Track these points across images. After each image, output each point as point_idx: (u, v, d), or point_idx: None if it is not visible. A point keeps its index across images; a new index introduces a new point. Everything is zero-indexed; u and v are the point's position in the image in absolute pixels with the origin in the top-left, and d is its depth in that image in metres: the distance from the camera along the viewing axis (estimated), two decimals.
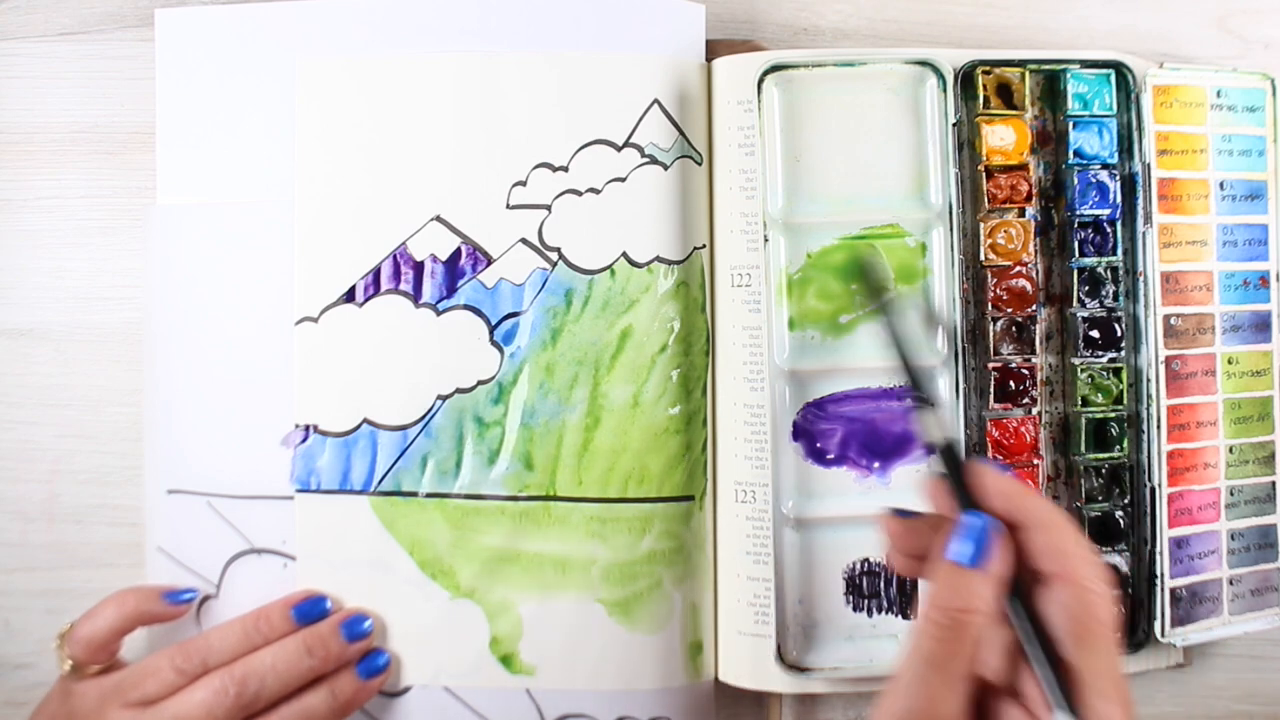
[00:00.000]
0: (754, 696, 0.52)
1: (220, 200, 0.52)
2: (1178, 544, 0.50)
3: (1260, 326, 0.52)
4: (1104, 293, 0.51)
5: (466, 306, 0.51)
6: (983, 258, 0.50)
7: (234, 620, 0.49)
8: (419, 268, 0.51)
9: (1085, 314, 0.50)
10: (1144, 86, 0.50)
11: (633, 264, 0.51)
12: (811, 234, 0.50)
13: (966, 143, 0.51)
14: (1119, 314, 0.51)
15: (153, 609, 0.49)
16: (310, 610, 0.49)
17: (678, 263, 0.51)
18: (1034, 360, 0.51)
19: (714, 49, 0.52)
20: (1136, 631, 0.50)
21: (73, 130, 0.54)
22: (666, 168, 0.51)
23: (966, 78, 0.50)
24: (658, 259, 0.51)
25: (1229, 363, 0.51)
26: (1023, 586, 0.36)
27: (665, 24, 0.52)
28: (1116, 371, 0.51)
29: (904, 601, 0.50)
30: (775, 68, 0.49)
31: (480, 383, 0.51)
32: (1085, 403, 0.50)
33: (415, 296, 0.51)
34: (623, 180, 0.51)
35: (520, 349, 0.51)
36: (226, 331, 0.52)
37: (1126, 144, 0.51)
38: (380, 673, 0.50)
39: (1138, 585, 0.50)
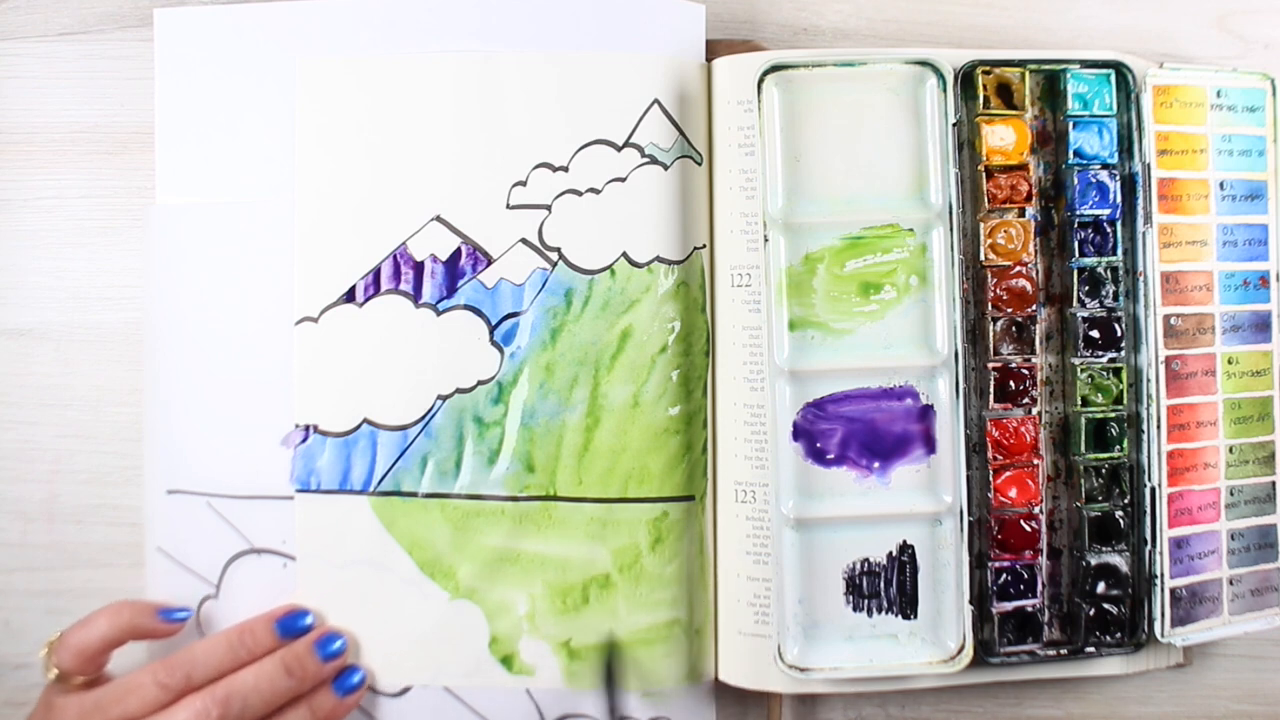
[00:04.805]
0: (754, 696, 0.52)
1: (220, 200, 0.52)
2: (1178, 544, 0.50)
3: (1260, 326, 0.52)
4: (1104, 293, 0.51)
5: (466, 306, 0.51)
6: (983, 258, 0.50)
7: (218, 635, 0.48)
8: (419, 268, 0.51)
9: (1085, 314, 0.50)
10: (1144, 86, 0.50)
11: (633, 264, 0.51)
12: (811, 234, 0.50)
13: (966, 143, 0.51)
14: (1119, 314, 0.51)
15: (146, 624, 0.49)
16: (291, 625, 0.49)
17: (678, 263, 0.51)
18: (1034, 360, 0.51)
19: (714, 49, 0.52)
20: (1136, 631, 0.50)
21: (73, 130, 0.54)
22: (666, 168, 0.51)
23: (966, 78, 0.50)
24: (658, 259, 0.51)
25: (1229, 363, 0.51)
26: None
27: (665, 24, 0.52)
28: (1116, 371, 0.51)
29: (904, 601, 0.50)
30: (775, 68, 0.49)
31: (480, 383, 0.51)
32: (1085, 403, 0.50)
33: (415, 296, 0.51)
34: (623, 180, 0.51)
35: (520, 349, 0.51)
36: (226, 331, 0.52)
37: (1126, 144, 0.51)
38: (355, 690, 0.50)
39: (1138, 585, 0.50)
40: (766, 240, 0.49)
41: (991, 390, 0.50)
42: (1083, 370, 0.50)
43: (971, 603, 0.49)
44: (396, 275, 0.51)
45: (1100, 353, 0.51)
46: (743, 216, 0.51)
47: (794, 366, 0.49)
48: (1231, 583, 0.51)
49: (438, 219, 0.51)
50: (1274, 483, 0.52)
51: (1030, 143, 0.51)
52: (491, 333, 0.51)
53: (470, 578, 0.51)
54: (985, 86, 0.50)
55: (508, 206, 0.51)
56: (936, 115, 0.50)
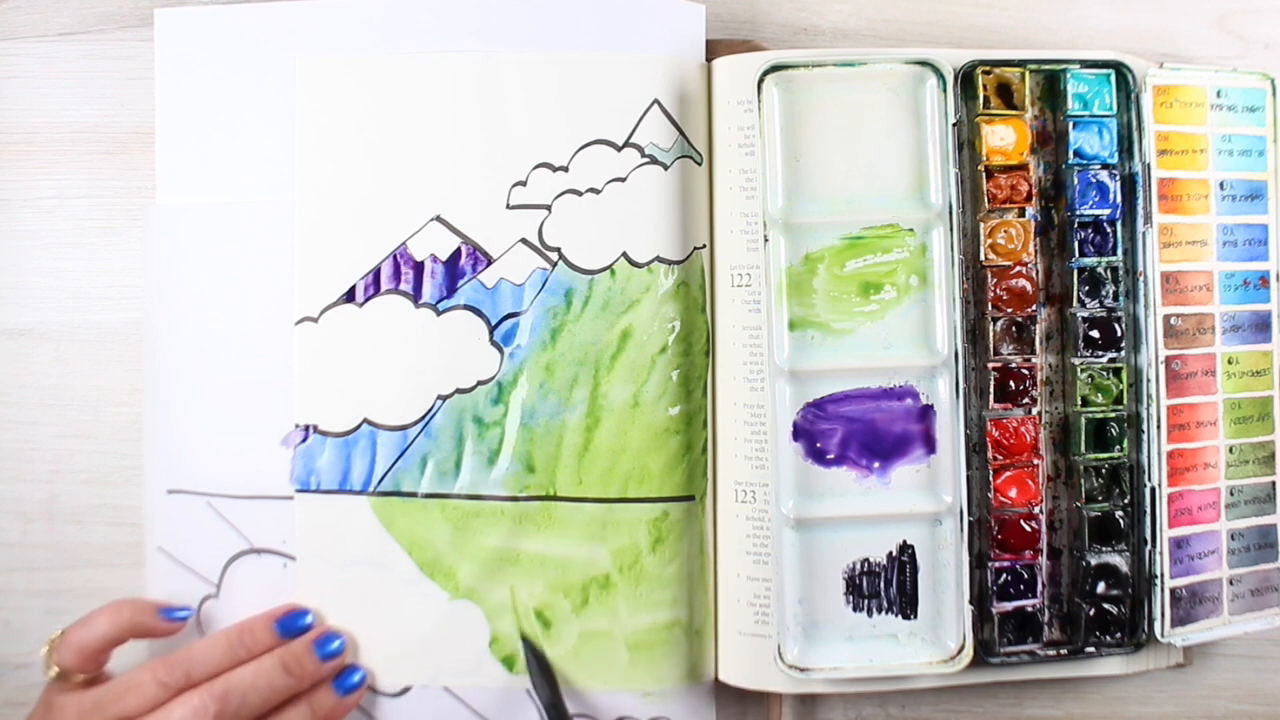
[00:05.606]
0: (754, 696, 0.52)
1: (220, 200, 0.52)
2: (1178, 544, 0.50)
3: (1260, 326, 0.52)
4: (1104, 293, 0.51)
5: (466, 306, 0.51)
6: (983, 258, 0.50)
7: (218, 633, 0.48)
8: (419, 268, 0.51)
9: (1085, 314, 0.50)
10: (1144, 86, 0.50)
11: (633, 264, 0.51)
12: (811, 234, 0.50)
13: (966, 143, 0.51)
14: (1119, 314, 0.51)
15: (147, 622, 0.49)
16: (291, 624, 0.50)
17: (678, 263, 0.51)
18: (1034, 360, 0.51)
19: (714, 49, 0.52)
20: (1136, 631, 0.50)
21: (73, 130, 0.54)
22: (666, 168, 0.51)
23: (966, 78, 0.50)
24: (658, 259, 0.51)
25: (1229, 363, 0.51)
26: None
27: (665, 24, 0.52)
28: (1116, 371, 0.51)
29: (904, 601, 0.50)
30: (775, 68, 0.49)
31: (480, 383, 0.51)
32: (1085, 403, 0.50)
33: (415, 296, 0.51)
34: (623, 180, 0.51)
35: (520, 349, 0.51)
36: (226, 331, 0.52)
37: (1126, 144, 0.51)
38: (355, 690, 0.50)
39: (1138, 585, 0.50)
40: (766, 240, 0.49)
41: (991, 390, 0.50)
42: (1083, 370, 0.50)
43: (971, 603, 0.49)
44: (396, 275, 0.51)
45: (1100, 353, 0.51)
46: (743, 216, 0.51)
47: (794, 366, 0.49)
48: (1231, 583, 0.51)
49: (438, 219, 0.51)
50: (1274, 483, 0.52)
51: (1030, 143, 0.51)
52: (491, 333, 0.51)
53: (470, 578, 0.51)
54: (985, 86, 0.50)
55: (508, 206, 0.51)
56: (936, 115, 0.50)
